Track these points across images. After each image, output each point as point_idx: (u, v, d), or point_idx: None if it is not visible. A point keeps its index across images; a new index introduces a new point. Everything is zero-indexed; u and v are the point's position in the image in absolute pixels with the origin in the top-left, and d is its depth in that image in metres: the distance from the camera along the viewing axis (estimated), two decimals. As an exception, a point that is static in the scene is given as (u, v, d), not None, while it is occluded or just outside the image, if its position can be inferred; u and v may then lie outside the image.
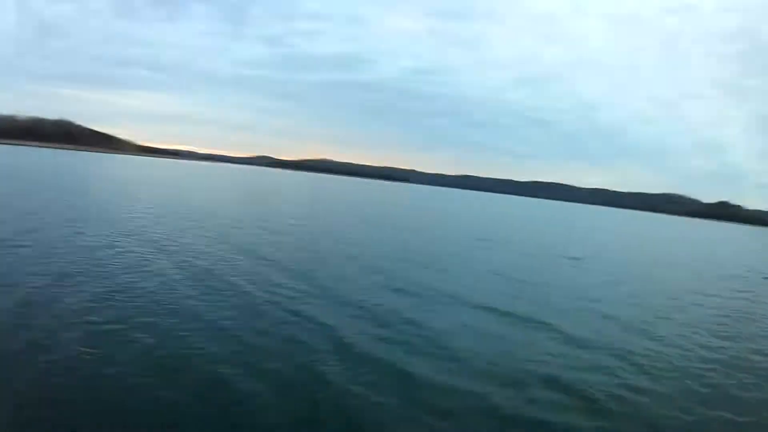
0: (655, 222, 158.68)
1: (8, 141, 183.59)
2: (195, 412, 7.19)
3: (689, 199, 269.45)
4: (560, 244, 43.70)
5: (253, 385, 8.21)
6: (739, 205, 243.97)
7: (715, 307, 20.51)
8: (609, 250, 43.74)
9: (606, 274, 26.99)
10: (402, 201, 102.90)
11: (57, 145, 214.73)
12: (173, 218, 28.14)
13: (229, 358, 9.09)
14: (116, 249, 17.45)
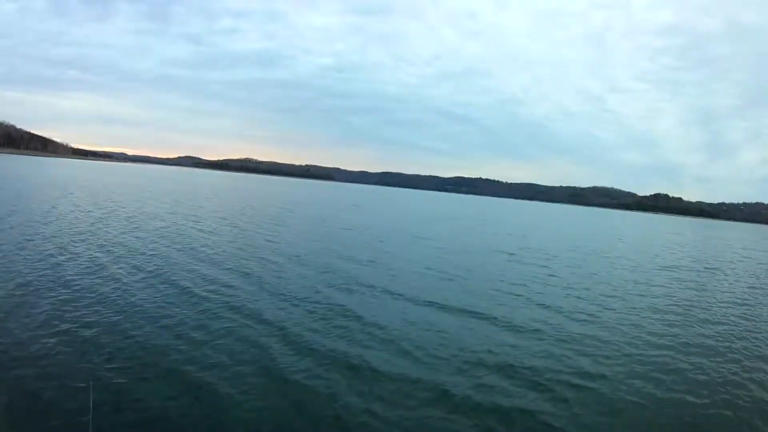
0: (590, 215, 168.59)
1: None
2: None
3: (623, 192, 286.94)
4: (494, 239, 45.50)
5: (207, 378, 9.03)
6: (679, 197, 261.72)
7: (660, 296, 22.09)
8: (543, 244, 45.11)
9: (541, 267, 27.74)
10: (332, 199, 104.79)
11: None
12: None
13: (177, 354, 9.91)
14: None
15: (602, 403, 9.72)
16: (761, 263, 46.31)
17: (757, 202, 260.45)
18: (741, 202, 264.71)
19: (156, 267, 17.69)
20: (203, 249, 22.49)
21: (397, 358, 11.03)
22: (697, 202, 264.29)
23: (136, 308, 12.69)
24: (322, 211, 61.37)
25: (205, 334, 11.25)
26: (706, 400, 10.36)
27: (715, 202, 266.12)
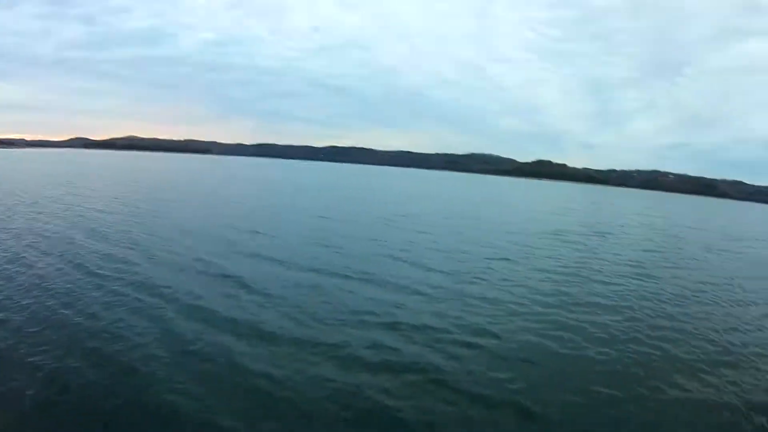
0: (470, 181, 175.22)
1: None
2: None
3: (503, 158, 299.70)
4: (374, 208, 47.34)
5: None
6: (563, 164, 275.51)
7: (546, 257, 24.21)
8: (424, 210, 47.67)
9: (421, 233, 29.61)
10: (208, 173, 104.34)
11: None
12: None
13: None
14: None
15: (493, 359, 10.86)
16: (655, 228, 48.55)
17: (652, 170, 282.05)
18: (634, 169, 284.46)
19: (61, 249, 18.57)
20: (99, 227, 23.70)
21: (289, 322, 12.21)
22: (583, 168, 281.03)
23: (43, 287, 13.77)
24: (202, 187, 60.94)
25: (104, 308, 12.41)
26: (593, 354, 11.59)
27: (604, 169, 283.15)
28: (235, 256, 19.10)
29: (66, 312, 11.83)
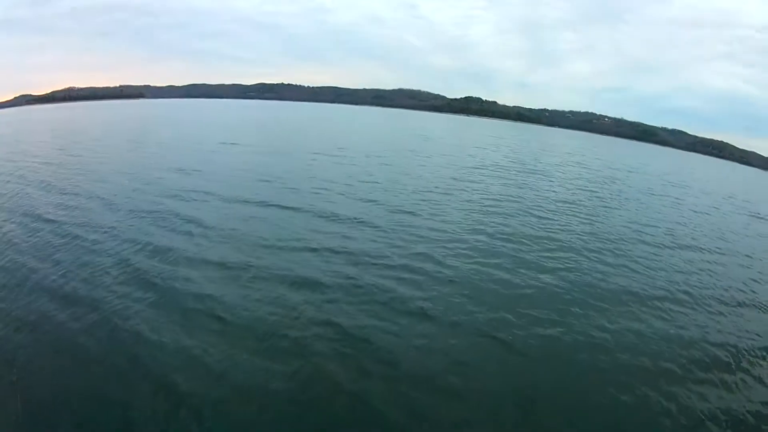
0: (397, 116, 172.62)
1: None
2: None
3: (432, 94, 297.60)
4: (305, 142, 48.37)
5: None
6: (493, 101, 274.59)
7: (475, 190, 25.74)
8: (353, 144, 49.00)
9: (354, 166, 31.15)
10: (140, 117, 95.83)
11: None
12: None
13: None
14: None
15: (428, 278, 12.34)
16: (585, 167, 49.76)
17: (586, 111, 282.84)
18: (568, 110, 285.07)
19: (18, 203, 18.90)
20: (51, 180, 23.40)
21: (227, 249, 13.60)
22: (514, 106, 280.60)
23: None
24: (134, 133, 55.98)
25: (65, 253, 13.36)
26: (513, 277, 13.10)
27: (536, 108, 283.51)
28: (176, 194, 20.22)
29: (30, 259, 12.84)
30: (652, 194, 34.87)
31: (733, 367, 9.90)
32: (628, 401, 8.31)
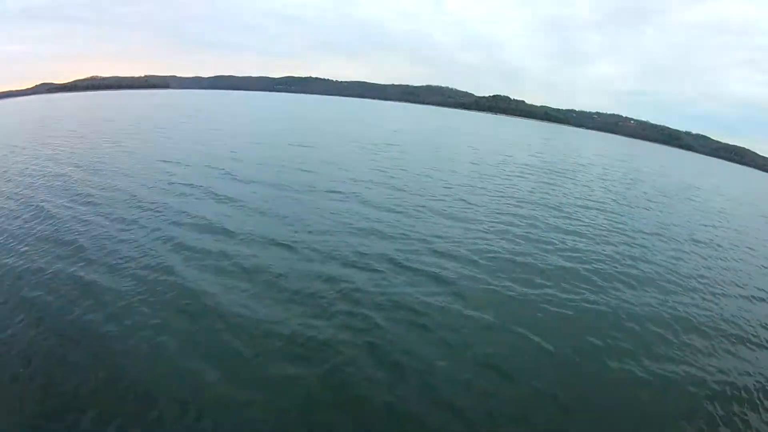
0: (426, 113, 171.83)
1: None
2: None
3: (460, 91, 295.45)
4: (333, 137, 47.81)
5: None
6: (522, 100, 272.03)
7: (499, 184, 27.26)
8: (391, 139, 49.88)
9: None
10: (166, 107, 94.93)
11: None
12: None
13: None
14: None
15: (455, 260, 13.61)
16: (607, 168, 49.82)
17: (612, 113, 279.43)
18: (594, 111, 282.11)
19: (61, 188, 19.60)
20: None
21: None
22: (541, 105, 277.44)
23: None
24: (161, 123, 54.28)
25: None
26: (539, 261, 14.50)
27: (563, 108, 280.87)
28: (221, 180, 21.80)
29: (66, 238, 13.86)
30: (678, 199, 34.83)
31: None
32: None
